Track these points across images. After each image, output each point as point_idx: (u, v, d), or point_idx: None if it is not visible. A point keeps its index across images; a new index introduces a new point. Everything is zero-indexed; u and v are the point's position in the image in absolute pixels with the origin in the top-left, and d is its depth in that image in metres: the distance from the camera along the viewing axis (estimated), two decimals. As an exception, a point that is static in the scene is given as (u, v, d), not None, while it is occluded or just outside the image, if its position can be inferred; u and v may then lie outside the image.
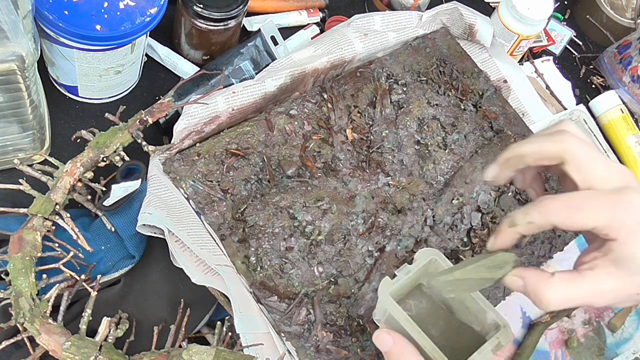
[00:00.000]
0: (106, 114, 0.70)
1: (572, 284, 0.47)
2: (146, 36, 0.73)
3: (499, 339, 0.53)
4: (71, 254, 0.63)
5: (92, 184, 0.67)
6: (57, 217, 0.64)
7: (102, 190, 0.69)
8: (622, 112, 0.96)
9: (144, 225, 0.65)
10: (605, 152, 0.92)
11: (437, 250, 0.57)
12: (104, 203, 0.66)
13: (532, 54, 1.00)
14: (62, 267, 0.62)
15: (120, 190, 0.67)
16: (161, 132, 0.78)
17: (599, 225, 0.46)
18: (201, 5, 0.75)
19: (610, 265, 0.46)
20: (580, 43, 1.05)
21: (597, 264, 0.47)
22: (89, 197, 0.68)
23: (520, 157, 0.50)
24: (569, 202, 0.46)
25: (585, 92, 1.01)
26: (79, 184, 0.66)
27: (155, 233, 0.66)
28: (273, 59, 0.81)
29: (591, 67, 1.04)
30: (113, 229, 0.66)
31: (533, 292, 0.47)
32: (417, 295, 0.59)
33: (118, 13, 0.67)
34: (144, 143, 0.69)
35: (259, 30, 0.82)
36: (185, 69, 0.82)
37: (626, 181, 0.47)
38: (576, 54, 1.04)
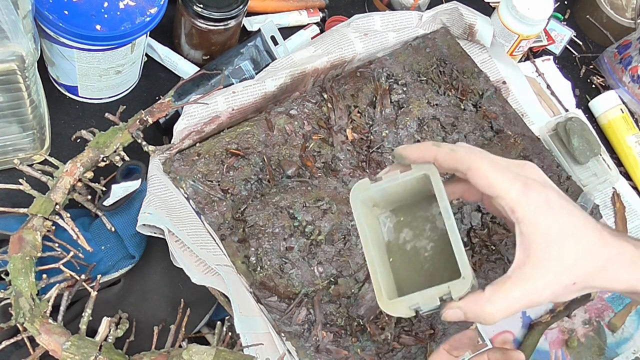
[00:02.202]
0: (106, 114, 0.70)
1: (505, 291, 0.46)
2: (146, 36, 0.73)
3: (449, 288, 0.46)
4: (71, 254, 0.63)
5: (92, 184, 0.67)
6: (57, 217, 0.64)
7: (102, 190, 0.69)
8: (622, 112, 0.96)
9: (144, 225, 0.65)
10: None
11: (435, 168, 0.49)
12: (104, 203, 0.66)
13: (533, 54, 1.00)
14: (62, 267, 0.62)
15: (120, 190, 0.67)
16: (161, 132, 0.78)
17: (508, 196, 0.46)
18: (201, 5, 0.75)
19: (525, 255, 0.46)
20: (580, 43, 1.05)
21: (520, 261, 0.47)
22: (89, 197, 0.68)
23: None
24: (492, 160, 0.47)
25: (585, 92, 1.01)
26: (79, 184, 0.66)
27: (155, 233, 0.66)
28: (273, 59, 0.81)
29: (591, 67, 1.04)
30: (113, 229, 0.66)
31: (474, 316, 0.46)
32: (415, 220, 0.52)
33: (118, 13, 0.67)
34: (144, 143, 0.69)
35: (259, 30, 0.82)
36: (185, 69, 0.82)
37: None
38: (576, 54, 1.04)
